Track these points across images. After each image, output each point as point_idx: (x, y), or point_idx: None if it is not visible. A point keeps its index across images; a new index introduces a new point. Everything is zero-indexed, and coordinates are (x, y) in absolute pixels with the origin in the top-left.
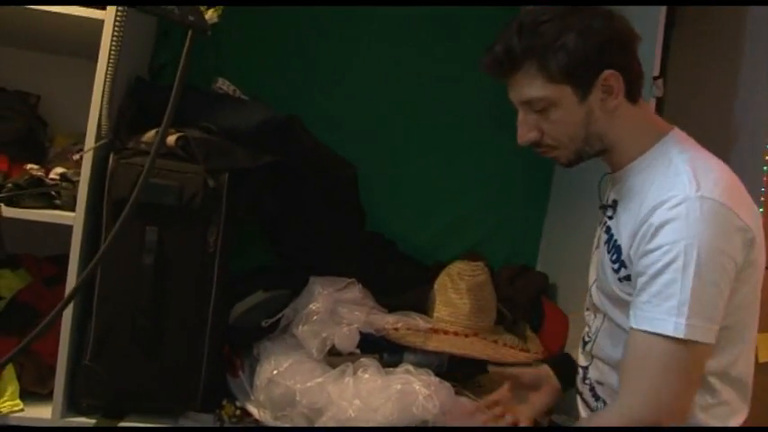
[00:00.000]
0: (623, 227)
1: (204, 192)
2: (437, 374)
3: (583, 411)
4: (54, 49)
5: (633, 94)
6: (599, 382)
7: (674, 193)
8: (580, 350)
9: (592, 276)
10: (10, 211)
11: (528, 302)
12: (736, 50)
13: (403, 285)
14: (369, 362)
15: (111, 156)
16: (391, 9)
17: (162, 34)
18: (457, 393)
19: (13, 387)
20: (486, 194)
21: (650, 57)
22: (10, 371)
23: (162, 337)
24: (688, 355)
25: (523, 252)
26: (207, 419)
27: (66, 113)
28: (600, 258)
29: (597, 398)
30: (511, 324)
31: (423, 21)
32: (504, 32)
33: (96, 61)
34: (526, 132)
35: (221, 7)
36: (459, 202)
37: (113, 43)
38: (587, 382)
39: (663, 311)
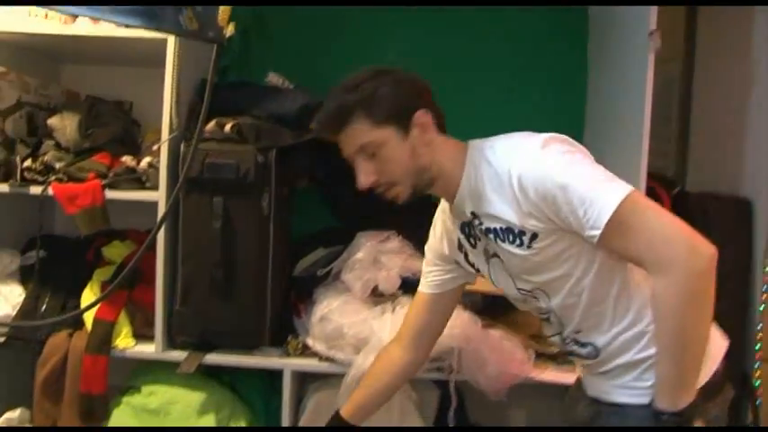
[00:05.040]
0: (502, 211)
1: (255, 166)
2: (474, 311)
3: (578, 367)
4: (140, 63)
5: (441, 128)
6: (576, 332)
7: (510, 168)
8: (547, 334)
9: (503, 282)
10: (111, 194)
11: None
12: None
13: None
14: (406, 300)
15: (183, 144)
16: None
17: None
18: (488, 326)
19: (126, 329)
20: None
21: (646, 10)
22: (124, 318)
23: (233, 285)
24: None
25: None
26: (275, 352)
27: (154, 114)
28: (506, 257)
29: (584, 344)
30: None
31: None
32: (330, 96)
33: None
34: (366, 177)
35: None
36: None
37: (175, 57)
38: (568, 342)
39: (603, 194)
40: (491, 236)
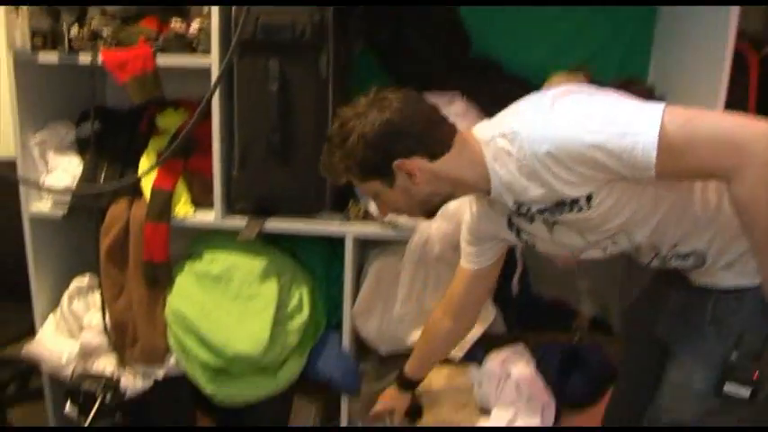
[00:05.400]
0: (545, 194)
1: (312, 26)
2: None
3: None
4: None
5: (441, 151)
6: (674, 246)
7: (536, 151)
8: (645, 262)
9: (571, 240)
10: (162, 60)
11: None
12: None
13: (507, 101)
14: None
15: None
16: None
17: None
18: None
19: (185, 197)
20: (593, 9)
21: None
22: (181, 185)
23: (291, 150)
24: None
25: (634, 65)
26: (336, 217)
27: None
28: (568, 222)
29: (686, 256)
30: None
31: None
32: (324, 147)
33: None
34: (381, 211)
35: None
36: (566, 19)
37: None
38: (669, 259)
39: (636, 128)
40: (546, 213)
